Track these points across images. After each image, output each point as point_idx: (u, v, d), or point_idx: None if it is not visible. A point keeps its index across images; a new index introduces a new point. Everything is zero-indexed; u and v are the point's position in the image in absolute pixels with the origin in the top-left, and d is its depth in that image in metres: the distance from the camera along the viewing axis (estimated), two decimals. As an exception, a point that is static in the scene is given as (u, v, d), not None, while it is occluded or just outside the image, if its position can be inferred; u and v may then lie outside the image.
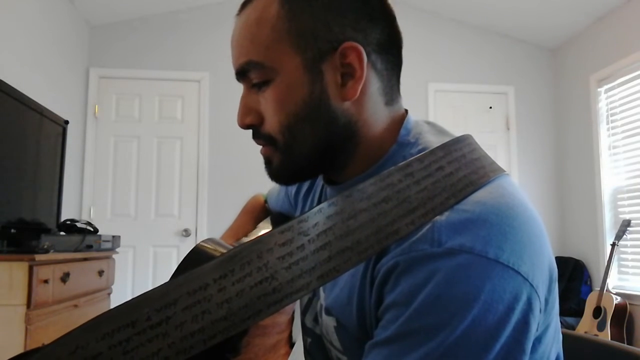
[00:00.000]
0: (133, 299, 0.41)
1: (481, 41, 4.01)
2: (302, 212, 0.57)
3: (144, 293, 0.41)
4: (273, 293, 0.42)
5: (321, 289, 0.61)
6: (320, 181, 0.72)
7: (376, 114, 0.57)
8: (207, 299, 0.41)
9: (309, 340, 0.67)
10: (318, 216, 0.46)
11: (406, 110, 0.61)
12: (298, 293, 0.43)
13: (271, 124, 0.55)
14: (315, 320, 0.65)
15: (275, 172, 0.58)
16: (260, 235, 0.44)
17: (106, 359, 0.39)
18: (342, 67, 0.53)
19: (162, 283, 0.42)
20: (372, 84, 0.56)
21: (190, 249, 0.56)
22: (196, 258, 0.53)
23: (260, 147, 0.59)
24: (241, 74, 0.56)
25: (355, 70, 0.53)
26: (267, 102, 0.55)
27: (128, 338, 0.39)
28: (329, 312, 0.58)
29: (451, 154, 0.51)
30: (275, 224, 0.84)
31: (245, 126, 0.57)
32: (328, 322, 0.58)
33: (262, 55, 0.53)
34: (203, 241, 0.58)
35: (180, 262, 0.53)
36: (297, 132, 0.54)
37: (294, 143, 0.55)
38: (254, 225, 0.92)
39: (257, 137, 0.58)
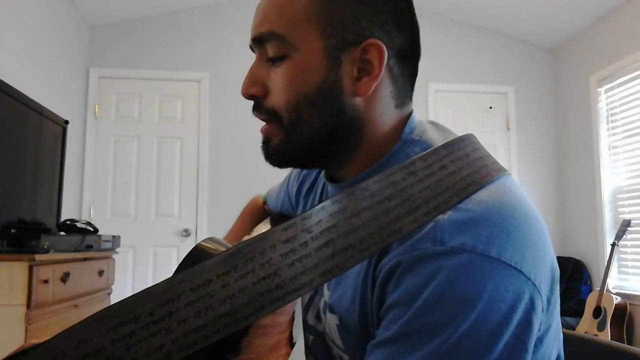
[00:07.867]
0: (136, 293, 0.41)
1: (481, 41, 4.01)
2: (305, 210, 0.57)
3: (147, 288, 0.41)
4: (276, 290, 0.42)
5: (325, 286, 0.61)
6: (321, 181, 0.72)
7: (384, 115, 0.57)
8: (210, 294, 0.41)
9: (310, 337, 0.67)
10: (321, 213, 0.46)
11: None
12: (301, 290, 0.43)
13: (277, 99, 0.55)
14: (318, 317, 0.65)
15: (273, 151, 0.57)
16: (263, 232, 0.44)
17: (109, 354, 0.39)
18: (360, 62, 0.54)
19: (165, 279, 0.42)
20: (386, 86, 0.56)
21: (191, 248, 0.56)
22: (197, 257, 0.53)
23: (262, 125, 0.58)
24: (259, 42, 0.55)
25: (373, 67, 0.53)
26: (278, 78, 0.54)
27: (131, 333, 0.39)
28: (332, 310, 0.58)
29: (454, 153, 0.51)
30: (275, 224, 0.84)
31: (248, 96, 0.56)
32: (331, 320, 0.58)
33: (286, 29, 0.53)
34: (204, 240, 0.58)
35: (181, 261, 0.53)
36: (303, 113, 0.54)
37: (298, 123, 0.54)
38: (253, 227, 0.91)
39: (258, 110, 0.57)
